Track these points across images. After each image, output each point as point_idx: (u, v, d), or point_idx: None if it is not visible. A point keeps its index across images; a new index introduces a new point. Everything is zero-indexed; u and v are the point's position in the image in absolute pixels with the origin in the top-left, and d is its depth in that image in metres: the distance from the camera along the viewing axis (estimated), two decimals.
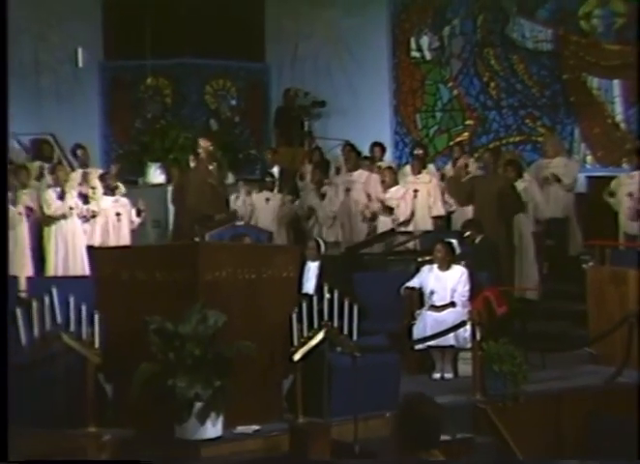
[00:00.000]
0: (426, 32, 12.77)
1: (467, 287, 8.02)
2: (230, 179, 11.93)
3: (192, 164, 10.93)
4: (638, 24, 10.30)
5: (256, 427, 6.23)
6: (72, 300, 6.05)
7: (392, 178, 10.56)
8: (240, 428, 6.18)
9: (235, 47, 12.58)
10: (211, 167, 10.75)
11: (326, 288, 6.49)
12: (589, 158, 11.85)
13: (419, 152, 11.55)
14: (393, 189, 10.50)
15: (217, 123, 12.71)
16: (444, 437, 5.49)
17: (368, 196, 10.71)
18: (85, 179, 10.24)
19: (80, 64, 12.23)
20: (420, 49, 12.87)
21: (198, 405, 5.87)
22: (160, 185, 11.69)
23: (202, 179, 10.66)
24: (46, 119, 11.83)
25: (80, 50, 12.20)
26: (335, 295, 6.41)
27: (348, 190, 10.79)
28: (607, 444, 6.88)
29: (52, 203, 9.68)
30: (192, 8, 12.28)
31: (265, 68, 13.07)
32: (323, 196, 10.82)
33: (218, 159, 11.27)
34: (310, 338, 6.36)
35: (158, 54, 11.88)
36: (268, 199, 11.04)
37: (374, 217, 10.61)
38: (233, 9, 12.52)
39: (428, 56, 12.82)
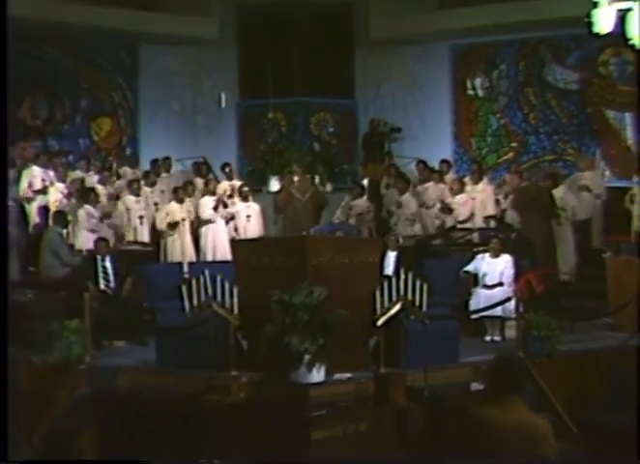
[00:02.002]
0: (479, 75, 12.58)
1: (512, 271, 7.94)
2: (328, 188, 12.00)
3: (296, 179, 10.97)
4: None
5: (349, 375, 6.29)
6: (218, 278, 6.21)
7: (458, 188, 10.38)
8: (337, 375, 6.24)
9: (332, 88, 12.67)
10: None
11: (402, 271, 6.49)
12: (607, 172, 11.56)
13: (474, 168, 11.41)
14: (459, 197, 10.33)
15: (318, 145, 12.78)
16: None
17: (437, 201, 10.58)
18: (230, 189, 10.54)
19: (223, 105, 12.49)
20: (474, 88, 12.68)
21: (307, 357, 5.95)
22: (278, 192, 11.86)
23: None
24: (200, 146, 12.06)
25: (223, 95, 12.46)
26: (410, 276, 6.41)
27: (422, 196, 10.68)
28: (620, 392, 6.74)
29: (205, 210, 10.01)
30: (301, 60, 12.46)
31: (355, 103, 13.06)
32: (402, 203, 10.55)
33: (319, 172, 11.32)
34: (390, 309, 6.39)
35: (276, 95, 12.03)
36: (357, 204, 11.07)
37: (442, 217, 10.45)
38: (331, 60, 12.65)
39: (481, 94, 12.62)
